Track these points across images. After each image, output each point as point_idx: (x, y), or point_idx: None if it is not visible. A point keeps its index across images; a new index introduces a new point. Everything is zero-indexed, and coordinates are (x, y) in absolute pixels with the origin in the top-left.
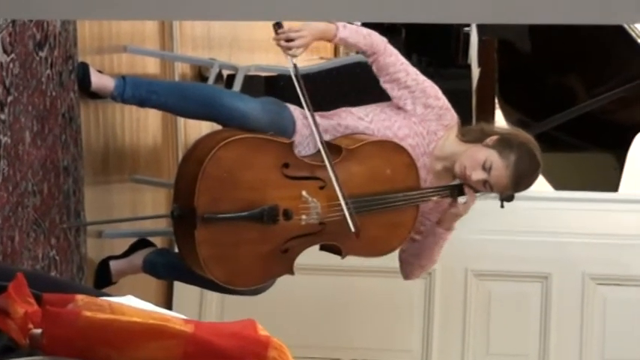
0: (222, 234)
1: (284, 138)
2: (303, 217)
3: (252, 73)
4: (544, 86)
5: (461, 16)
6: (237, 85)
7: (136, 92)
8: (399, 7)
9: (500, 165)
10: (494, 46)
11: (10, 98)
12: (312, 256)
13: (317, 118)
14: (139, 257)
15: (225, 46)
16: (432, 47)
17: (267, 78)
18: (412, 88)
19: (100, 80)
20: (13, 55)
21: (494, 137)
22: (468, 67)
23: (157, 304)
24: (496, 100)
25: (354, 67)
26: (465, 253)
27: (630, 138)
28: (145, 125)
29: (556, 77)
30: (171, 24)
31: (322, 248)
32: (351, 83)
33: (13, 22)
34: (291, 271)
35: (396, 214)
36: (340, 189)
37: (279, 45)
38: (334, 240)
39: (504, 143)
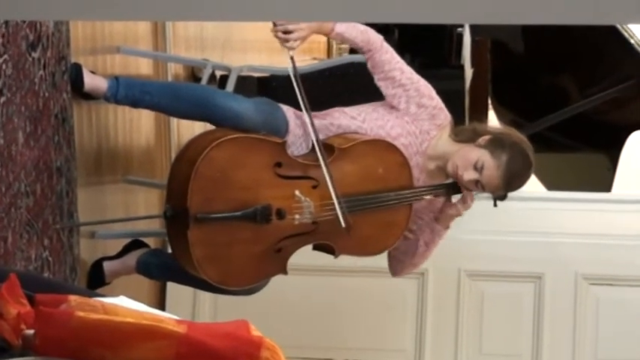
0: (215, 234)
1: (277, 138)
2: (296, 216)
3: (244, 73)
4: (537, 87)
5: (454, 16)
6: (230, 85)
7: (129, 93)
8: (392, 8)
9: (491, 165)
10: (488, 46)
11: (2, 99)
12: (305, 256)
13: (309, 120)
14: (132, 258)
15: (218, 46)
16: (425, 47)
17: (259, 79)
18: (407, 86)
19: (93, 81)
20: (5, 56)
21: (487, 137)
22: (461, 67)
23: (149, 305)
24: (489, 101)
25: (347, 67)
26: (458, 253)
27: (623, 138)
28: (138, 126)
29: (549, 78)
30: (164, 25)
31: (315, 248)
32: (344, 84)
33: (6, 22)
34: (284, 271)
35: (389, 213)
36: (332, 184)
37: (276, 37)
38: (327, 239)
39: (496, 143)
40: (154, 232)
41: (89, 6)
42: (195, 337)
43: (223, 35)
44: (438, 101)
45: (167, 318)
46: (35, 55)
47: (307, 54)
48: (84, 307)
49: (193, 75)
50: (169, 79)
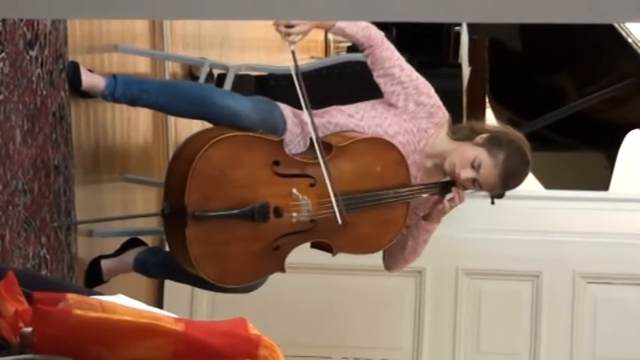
0: (213, 232)
1: (274, 136)
2: (294, 214)
3: (242, 72)
4: (535, 85)
5: (452, 15)
6: (228, 84)
7: (127, 91)
8: (390, 6)
9: (488, 163)
10: (485, 45)
11: (0, 97)
12: (303, 254)
13: (308, 115)
14: (130, 256)
15: (216, 45)
16: (422, 46)
17: (257, 77)
18: (406, 84)
19: (90, 79)
20: (3, 54)
21: (484, 135)
22: (459, 66)
23: (147, 303)
24: (487, 99)
25: (345, 66)
26: (456, 252)
27: (621, 137)
28: (135, 124)
29: (546, 76)
30: (162, 23)
31: (313, 246)
32: (342, 82)
33: (4, 21)
34: (282, 269)
35: (386, 211)
36: (330, 181)
37: (278, 30)
38: (325, 237)
39: (493, 142)
40: (151, 230)
41: (87, 4)
42: (193, 336)
43: (221, 34)
44: (436, 99)
45: (165, 316)
46: (33, 53)
47: (305, 53)
48: (82, 306)
49: (191, 73)
50: (167, 77)
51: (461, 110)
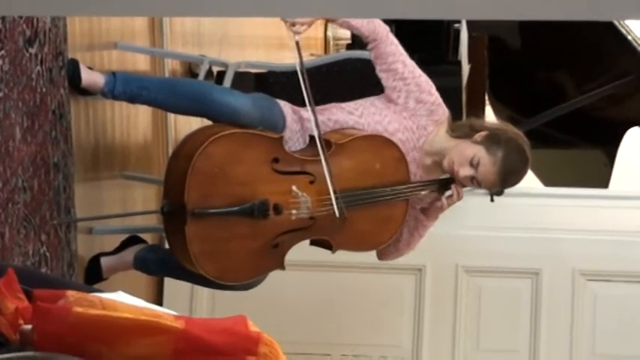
0: (212, 229)
1: (274, 133)
2: (294, 211)
3: (242, 69)
4: (534, 83)
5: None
6: (228, 81)
7: (127, 88)
8: (390, 3)
9: (487, 161)
10: (485, 42)
11: (0, 95)
12: (302, 251)
13: (308, 112)
14: (129, 254)
15: (215, 42)
16: (422, 43)
17: (257, 74)
18: (407, 80)
19: (90, 76)
20: (2, 52)
21: (483, 133)
22: (458, 63)
23: (147, 300)
24: (486, 97)
25: (344, 63)
26: (456, 249)
27: (620, 134)
28: (135, 122)
29: (546, 74)
30: (162, 20)
31: (313, 243)
32: (341, 79)
33: (3, 18)
34: (281, 266)
35: (386, 208)
36: (330, 177)
37: (283, 20)
38: (325, 234)
39: (492, 139)
40: (151, 227)
41: (86, 1)
42: (193, 333)
43: (220, 31)
44: (437, 97)
45: (165, 313)
46: (32, 50)
47: (304, 50)
48: (82, 303)
49: (190, 71)
50: (166, 74)
51: (460, 108)
